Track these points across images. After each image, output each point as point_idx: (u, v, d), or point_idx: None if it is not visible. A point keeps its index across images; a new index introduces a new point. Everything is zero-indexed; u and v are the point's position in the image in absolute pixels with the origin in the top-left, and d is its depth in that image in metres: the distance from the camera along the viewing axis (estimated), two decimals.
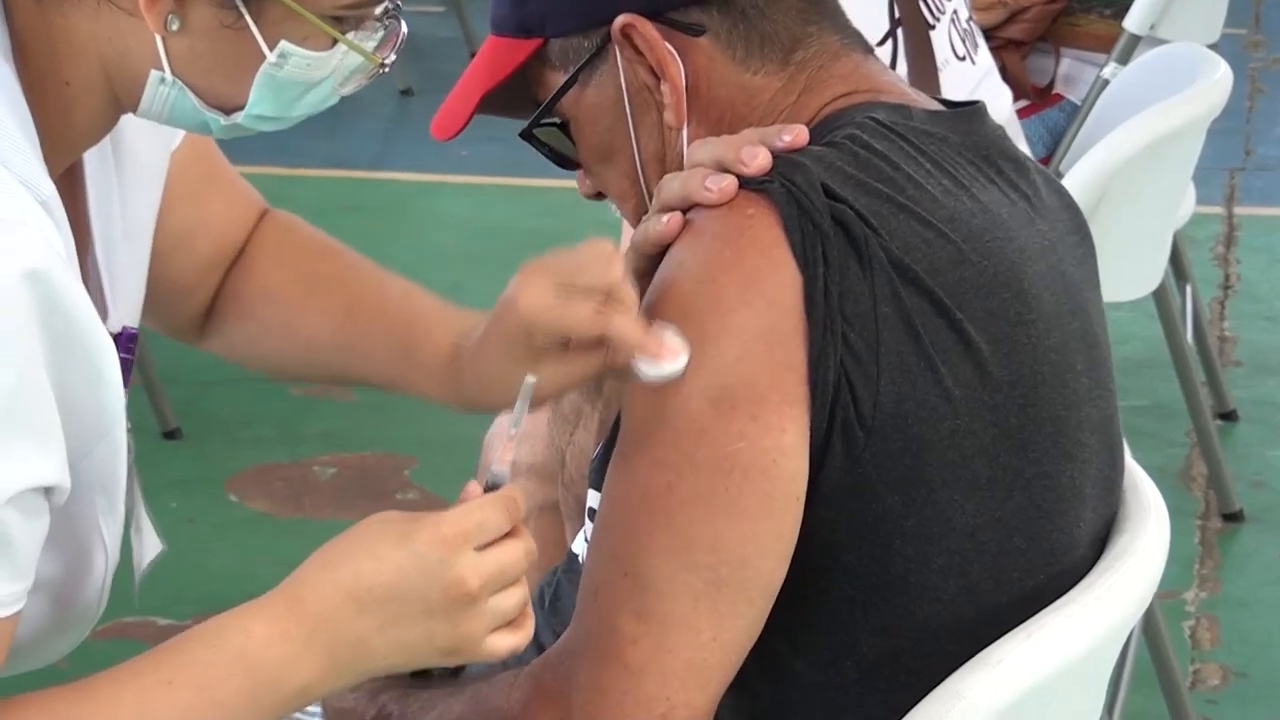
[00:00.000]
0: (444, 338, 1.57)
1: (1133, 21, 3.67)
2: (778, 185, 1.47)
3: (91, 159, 1.47)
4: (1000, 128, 1.63)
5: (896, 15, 2.76)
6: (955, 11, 2.87)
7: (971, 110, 1.62)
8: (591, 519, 1.58)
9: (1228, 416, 4.26)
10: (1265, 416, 4.31)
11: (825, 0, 1.62)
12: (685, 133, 1.60)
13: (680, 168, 1.58)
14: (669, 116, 1.60)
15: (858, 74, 1.60)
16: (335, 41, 1.37)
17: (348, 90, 1.42)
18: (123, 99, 1.38)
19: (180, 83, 1.35)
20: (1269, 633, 3.48)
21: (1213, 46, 3.53)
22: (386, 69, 1.41)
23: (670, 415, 1.45)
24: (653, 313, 1.48)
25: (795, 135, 1.53)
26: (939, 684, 1.46)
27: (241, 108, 1.38)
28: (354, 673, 1.32)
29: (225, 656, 1.30)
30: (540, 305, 1.45)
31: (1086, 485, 1.58)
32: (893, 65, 2.72)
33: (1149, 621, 2.95)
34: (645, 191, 1.64)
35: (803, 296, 1.45)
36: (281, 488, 3.96)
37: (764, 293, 1.45)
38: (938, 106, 1.61)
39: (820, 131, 1.56)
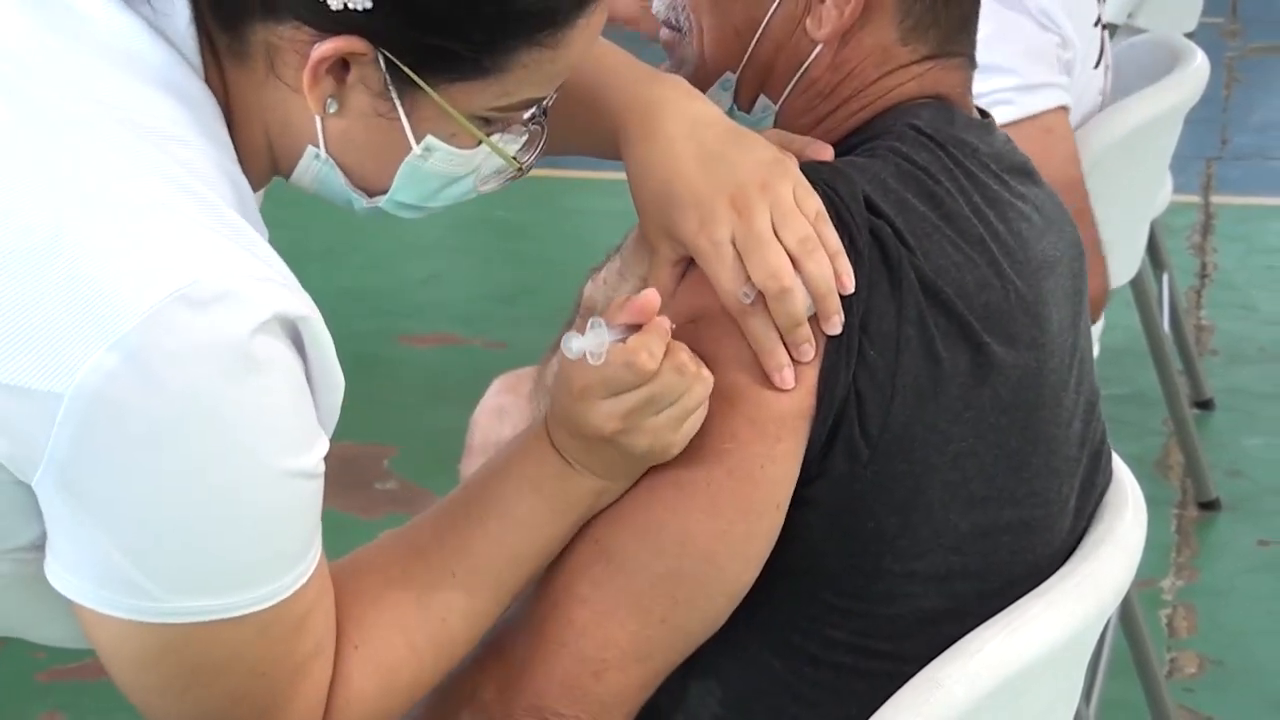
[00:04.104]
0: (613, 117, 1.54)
1: (1110, 10, 3.67)
2: (821, 191, 1.47)
3: None
4: (1009, 139, 1.62)
5: None
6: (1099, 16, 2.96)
7: (988, 122, 1.61)
8: None
9: (1204, 405, 4.27)
10: (1242, 405, 4.32)
11: (974, 21, 1.60)
12: (813, 54, 1.56)
13: (790, 78, 1.56)
14: (810, 24, 1.56)
15: (945, 81, 1.58)
16: (481, 141, 1.40)
17: (488, 188, 1.46)
18: (280, 164, 1.43)
19: (333, 160, 1.40)
20: (1245, 621, 3.49)
21: (1190, 35, 3.55)
22: (525, 173, 1.44)
23: None
24: (678, 298, 1.48)
25: (818, 151, 1.52)
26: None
27: (384, 192, 1.43)
28: (618, 472, 1.46)
29: (523, 497, 1.46)
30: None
31: (1072, 498, 1.58)
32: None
33: (1126, 610, 2.95)
34: (741, 67, 1.58)
35: None
36: None
37: None
38: (976, 115, 1.60)
39: (882, 121, 1.55)
